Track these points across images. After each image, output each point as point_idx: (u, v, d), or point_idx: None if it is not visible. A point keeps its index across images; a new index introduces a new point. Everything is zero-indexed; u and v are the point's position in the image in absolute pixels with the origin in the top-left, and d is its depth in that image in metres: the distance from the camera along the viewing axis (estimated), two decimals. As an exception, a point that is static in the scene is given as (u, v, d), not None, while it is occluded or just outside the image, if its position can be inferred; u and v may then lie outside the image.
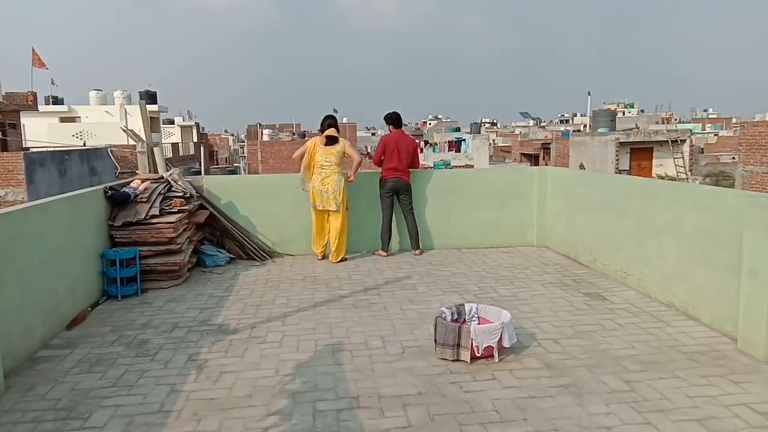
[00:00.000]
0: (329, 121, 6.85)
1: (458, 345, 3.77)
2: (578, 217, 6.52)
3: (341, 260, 6.82)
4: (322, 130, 6.85)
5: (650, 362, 3.75)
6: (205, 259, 6.58)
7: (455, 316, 4.14)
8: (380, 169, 7.09)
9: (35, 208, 4.47)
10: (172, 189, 6.51)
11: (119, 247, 5.67)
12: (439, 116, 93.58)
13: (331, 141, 6.73)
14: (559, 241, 7.02)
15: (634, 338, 4.17)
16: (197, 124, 51.06)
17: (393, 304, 5.10)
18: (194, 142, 44.19)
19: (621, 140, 29.70)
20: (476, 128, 54.86)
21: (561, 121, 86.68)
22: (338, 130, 6.87)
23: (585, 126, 47.98)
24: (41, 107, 30.51)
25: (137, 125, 16.88)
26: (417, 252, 7.10)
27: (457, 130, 48.54)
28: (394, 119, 7.18)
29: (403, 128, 7.29)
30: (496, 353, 3.78)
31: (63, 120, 34.37)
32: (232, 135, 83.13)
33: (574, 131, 47.79)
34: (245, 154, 48.71)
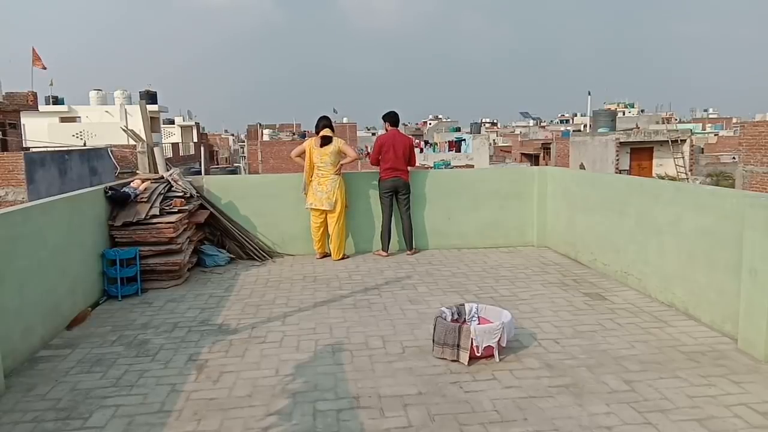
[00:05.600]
0: (324, 122, 6.89)
1: (458, 345, 3.77)
2: (578, 217, 6.52)
3: (342, 258, 6.85)
4: (317, 132, 6.87)
5: (650, 362, 3.75)
6: (206, 259, 6.58)
7: (455, 316, 4.14)
8: (379, 169, 7.09)
9: (35, 208, 4.47)
10: (173, 189, 6.51)
11: (119, 247, 5.67)
12: (439, 116, 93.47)
13: (326, 141, 6.76)
14: (560, 241, 7.02)
15: (634, 338, 4.17)
16: (197, 124, 51.04)
17: (393, 304, 5.10)
18: (194, 142, 44.18)
19: (621, 140, 29.69)
20: (476, 128, 54.75)
21: (561, 121, 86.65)
22: (333, 130, 6.89)
23: (585, 126, 47.96)
24: (41, 107, 30.48)
25: (137, 125, 16.89)
26: (410, 252, 7.11)
27: (457, 130, 48.41)
28: (390, 118, 7.18)
29: (400, 127, 7.29)
30: (496, 353, 3.78)
31: (63, 120, 34.36)
32: (233, 135, 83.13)
33: (574, 131, 47.76)
34: (245, 154, 48.72)
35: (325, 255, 6.99)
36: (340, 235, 6.85)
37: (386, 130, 7.20)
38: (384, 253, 7.04)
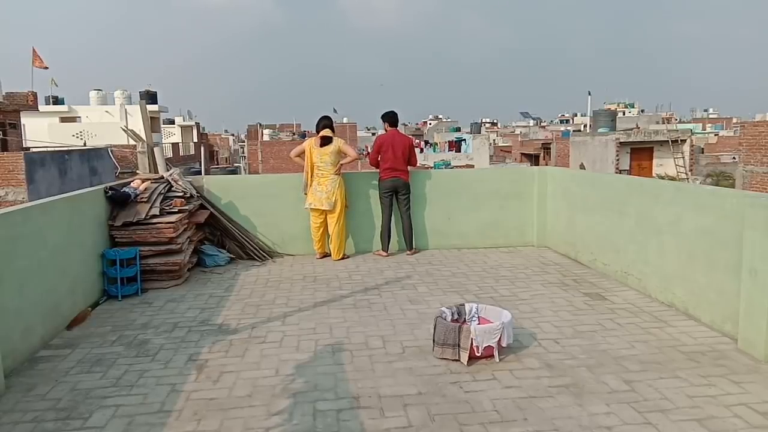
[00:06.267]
0: (324, 122, 6.89)
1: (458, 345, 3.77)
2: (578, 217, 6.52)
3: (342, 258, 6.85)
4: (317, 131, 6.88)
5: (650, 362, 3.75)
6: (206, 259, 6.58)
7: (455, 316, 4.14)
8: (378, 169, 7.09)
9: (35, 208, 4.47)
10: (173, 189, 6.51)
11: (119, 247, 5.67)
12: (439, 116, 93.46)
13: (326, 141, 6.76)
14: (560, 241, 7.02)
15: (634, 338, 4.17)
16: (197, 124, 51.04)
17: (393, 304, 5.10)
18: (194, 142, 44.18)
19: (621, 140, 29.70)
20: (476, 128, 54.76)
21: (561, 121, 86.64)
22: (333, 130, 6.89)
23: (585, 126, 47.97)
24: (41, 107, 30.47)
25: (137, 125, 16.89)
26: (410, 252, 7.11)
27: (458, 130, 48.41)
28: (389, 118, 7.17)
29: (399, 127, 7.28)
30: (496, 353, 3.78)
31: (63, 120, 34.36)
32: (233, 135, 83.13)
33: (574, 131, 47.77)
34: (245, 154, 48.70)
35: (325, 255, 6.99)
36: (340, 235, 6.85)
37: (386, 130, 7.20)
38: (384, 253, 7.04)
